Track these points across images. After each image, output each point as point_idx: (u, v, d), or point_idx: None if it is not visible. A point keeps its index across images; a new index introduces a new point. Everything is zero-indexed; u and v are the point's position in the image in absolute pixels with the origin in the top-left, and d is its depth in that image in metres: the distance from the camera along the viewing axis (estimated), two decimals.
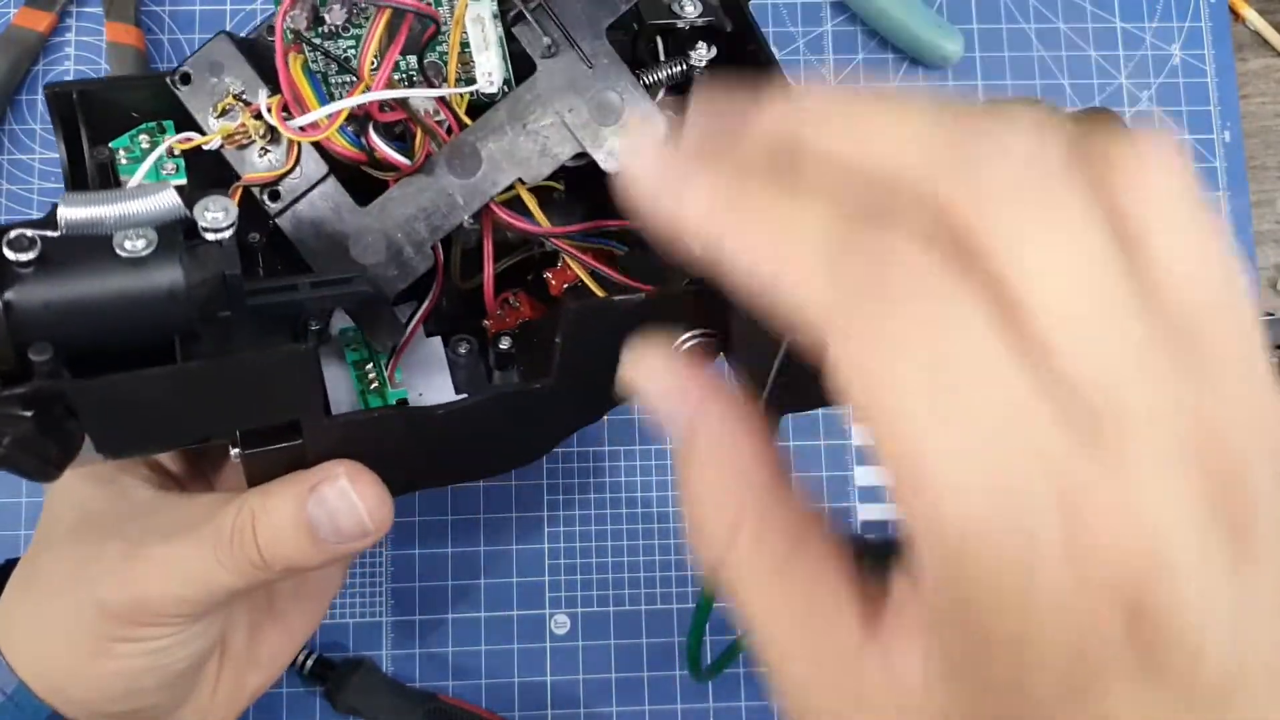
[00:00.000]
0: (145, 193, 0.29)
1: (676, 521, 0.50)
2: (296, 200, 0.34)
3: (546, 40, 0.34)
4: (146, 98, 0.35)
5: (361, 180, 0.34)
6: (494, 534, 0.49)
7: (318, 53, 0.35)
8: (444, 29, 0.35)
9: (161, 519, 0.34)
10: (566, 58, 0.34)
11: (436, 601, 0.48)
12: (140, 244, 0.28)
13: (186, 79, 0.34)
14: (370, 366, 0.35)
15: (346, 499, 0.33)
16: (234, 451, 0.32)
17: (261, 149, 0.34)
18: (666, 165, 0.21)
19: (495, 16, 0.35)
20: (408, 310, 0.35)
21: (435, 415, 0.33)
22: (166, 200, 0.29)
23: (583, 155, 0.34)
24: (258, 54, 0.34)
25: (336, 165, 0.34)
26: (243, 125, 0.33)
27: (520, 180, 0.34)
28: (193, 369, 0.29)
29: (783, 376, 0.28)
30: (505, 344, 0.36)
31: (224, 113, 0.34)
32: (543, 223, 0.35)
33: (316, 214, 0.34)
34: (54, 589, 0.35)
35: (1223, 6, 0.55)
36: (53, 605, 0.35)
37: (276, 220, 0.34)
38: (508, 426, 0.35)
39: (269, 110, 0.33)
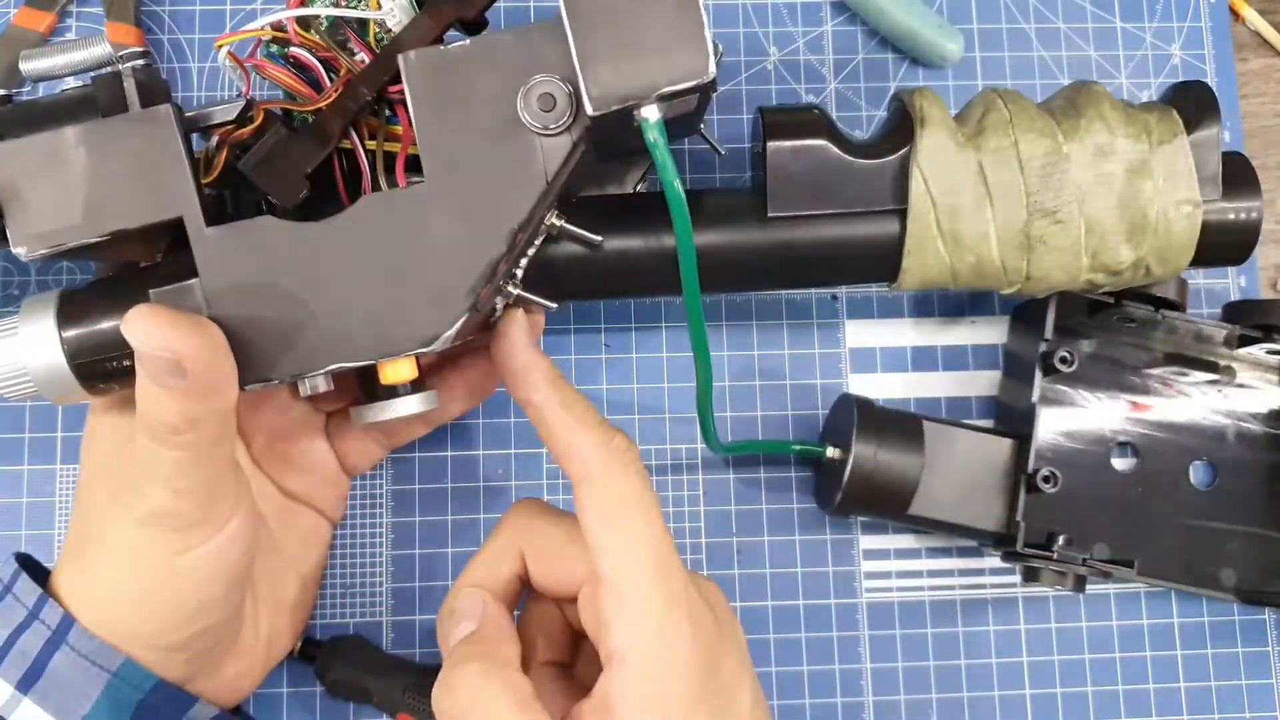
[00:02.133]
0: (86, 44, 0.37)
1: (674, 522, 0.50)
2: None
3: None
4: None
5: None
6: None
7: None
8: None
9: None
10: None
11: (437, 601, 0.48)
12: (74, 84, 0.37)
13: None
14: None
15: (140, 338, 0.33)
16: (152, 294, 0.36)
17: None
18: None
19: None
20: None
21: (320, 225, 0.35)
22: (101, 49, 0.37)
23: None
24: None
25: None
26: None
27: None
28: (71, 130, 0.35)
29: None
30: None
31: None
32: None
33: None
34: (105, 536, 0.37)
35: (1223, 6, 0.55)
36: (110, 550, 0.37)
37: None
38: (396, 253, 0.35)
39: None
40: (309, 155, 0.36)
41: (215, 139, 0.38)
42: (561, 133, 0.35)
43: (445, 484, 0.49)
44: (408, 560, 0.49)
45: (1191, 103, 0.43)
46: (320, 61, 0.39)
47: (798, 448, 0.49)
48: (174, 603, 0.37)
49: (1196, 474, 0.50)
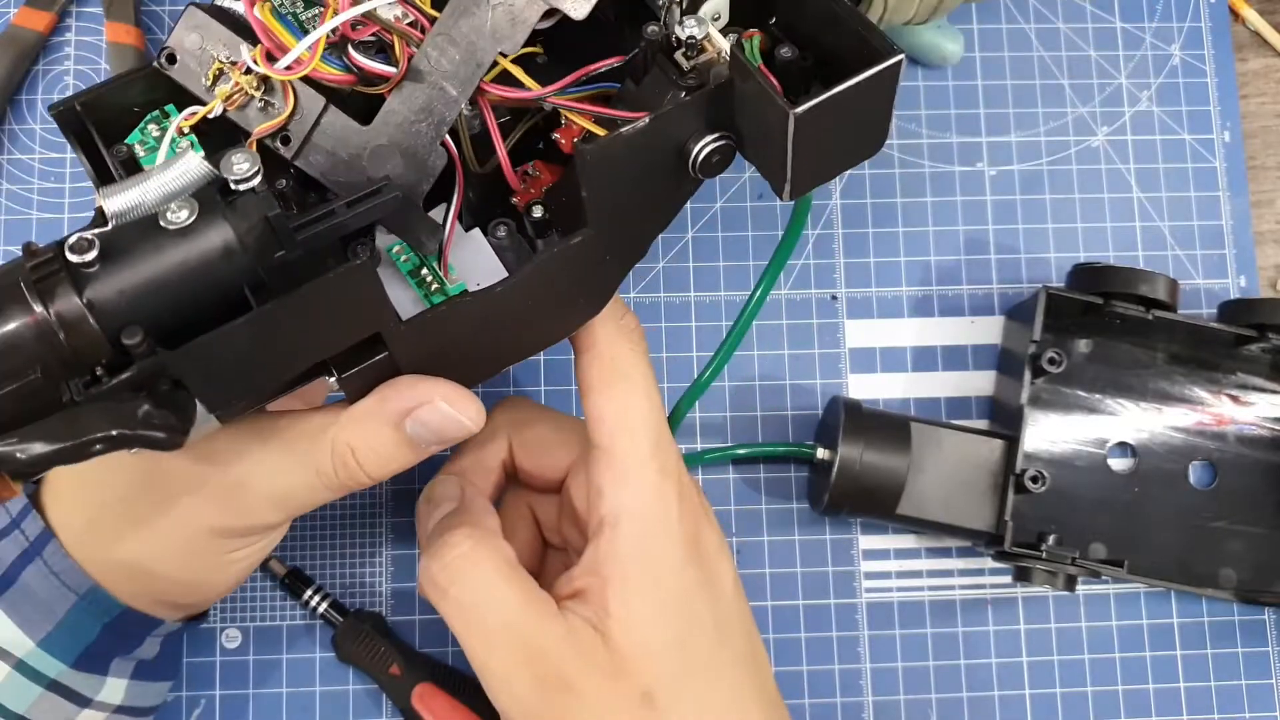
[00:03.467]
0: (171, 164, 0.31)
1: None
2: (306, 139, 0.35)
3: None
4: (143, 89, 0.36)
5: (362, 104, 0.36)
6: None
7: None
8: None
9: (252, 442, 0.36)
10: None
11: None
12: (184, 214, 0.30)
13: (173, 58, 0.35)
14: (425, 271, 0.37)
15: (444, 415, 0.35)
16: (331, 380, 0.35)
17: (261, 102, 0.35)
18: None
19: None
20: (442, 213, 0.37)
21: (497, 292, 0.35)
22: (193, 164, 0.32)
23: (551, 12, 0.35)
24: (230, 16, 0.36)
25: (332, 95, 0.35)
26: (236, 84, 0.35)
27: (501, 54, 0.35)
28: (267, 311, 0.31)
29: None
30: (538, 212, 0.37)
31: (216, 79, 0.35)
32: (533, 87, 0.36)
33: (329, 145, 0.35)
34: (157, 528, 0.37)
35: (1223, 6, 0.55)
36: (161, 542, 0.37)
37: (295, 162, 0.35)
38: (564, 285, 0.36)
39: (254, 61, 0.34)
40: (416, 190, 0.36)
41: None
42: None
43: None
44: (408, 560, 0.49)
45: None
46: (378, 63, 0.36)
47: (771, 450, 0.49)
48: (212, 588, 0.39)
49: (1195, 474, 0.50)
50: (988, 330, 0.52)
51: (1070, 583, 0.47)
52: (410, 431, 0.35)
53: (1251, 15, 0.56)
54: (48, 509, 0.38)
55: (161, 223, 0.30)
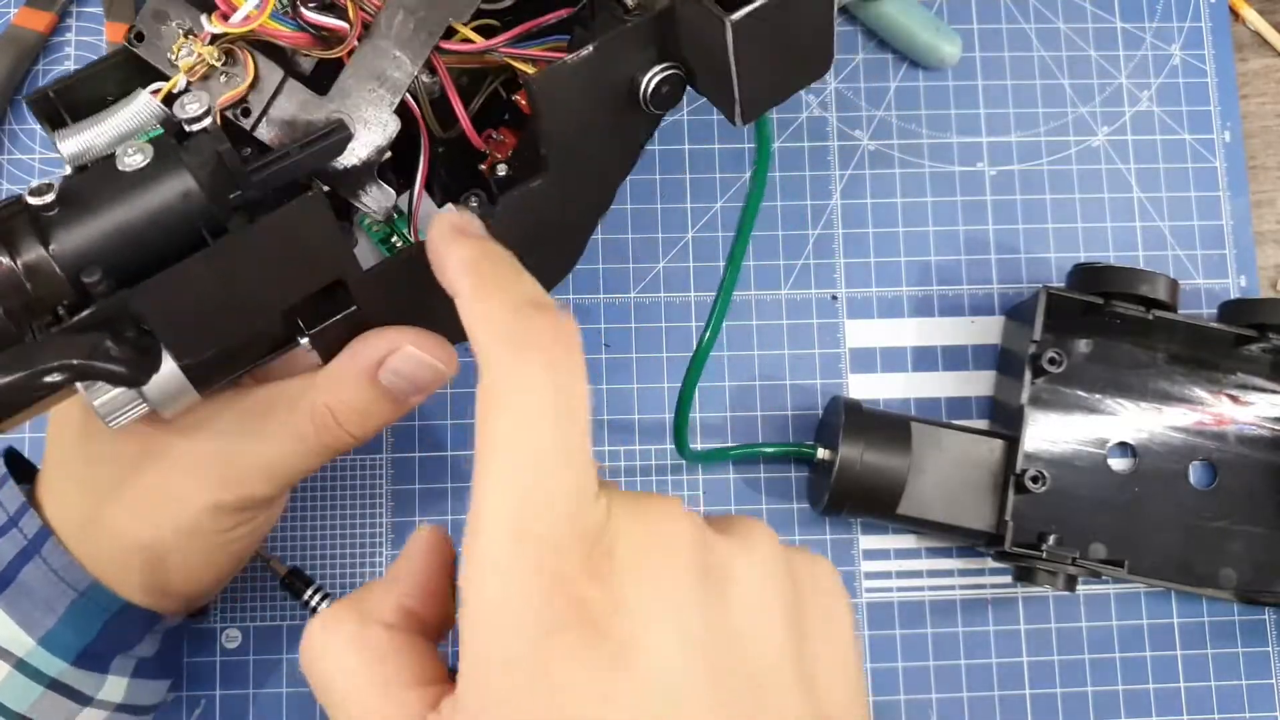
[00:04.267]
0: (124, 106, 0.33)
1: None
2: (265, 110, 0.36)
3: None
4: (118, 75, 0.36)
5: (320, 76, 0.36)
6: None
7: None
8: None
9: (235, 414, 0.36)
10: None
11: None
12: (139, 157, 0.31)
13: (141, 36, 0.36)
14: (395, 239, 0.38)
15: (416, 360, 0.35)
16: (304, 341, 0.35)
17: (223, 74, 0.36)
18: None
19: None
20: (408, 191, 0.38)
21: None
22: (145, 103, 0.33)
23: None
24: None
25: (291, 68, 0.36)
26: (199, 55, 0.35)
27: (451, 21, 0.36)
28: (222, 245, 0.31)
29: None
30: (503, 170, 0.37)
31: (179, 52, 0.36)
32: (479, 40, 0.36)
33: (287, 115, 0.36)
34: (154, 510, 0.37)
35: (1223, 6, 0.55)
36: (160, 524, 0.37)
37: (254, 133, 0.36)
38: (533, 233, 0.36)
39: (209, 21, 0.35)
40: (375, 150, 0.36)
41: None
42: (666, 112, 0.36)
43: (445, 484, 0.49)
44: None
45: None
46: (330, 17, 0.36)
47: (771, 450, 0.49)
48: (213, 569, 0.39)
49: (1195, 474, 0.50)
50: (988, 330, 0.52)
51: (1070, 583, 0.47)
52: (385, 382, 0.35)
53: (1251, 15, 0.56)
54: (45, 507, 0.38)
55: (119, 166, 0.31)
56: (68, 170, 0.33)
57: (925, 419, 0.48)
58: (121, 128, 0.33)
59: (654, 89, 0.35)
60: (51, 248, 0.30)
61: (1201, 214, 0.54)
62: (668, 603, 0.24)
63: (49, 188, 0.31)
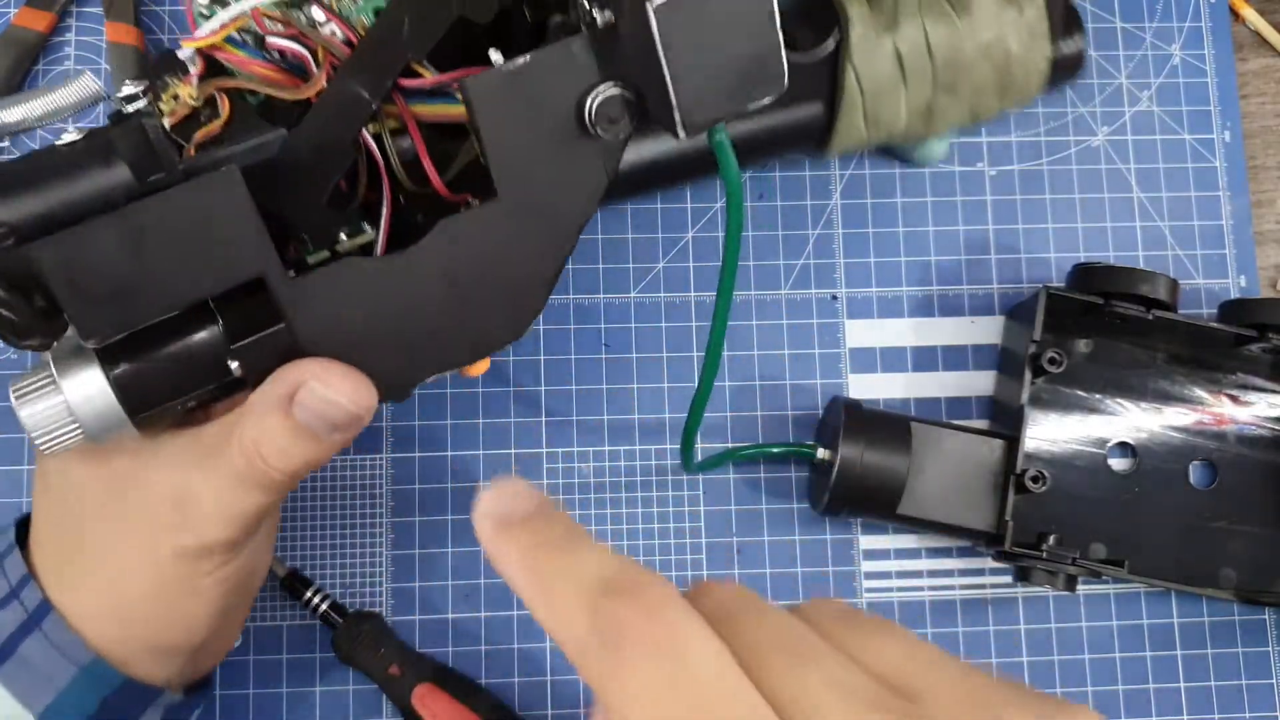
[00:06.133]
0: (65, 84, 0.35)
1: (675, 522, 0.50)
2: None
3: None
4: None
5: (290, 118, 0.36)
6: None
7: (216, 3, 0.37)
8: None
9: (183, 455, 0.35)
10: None
11: (438, 601, 0.48)
12: (73, 135, 0.32)
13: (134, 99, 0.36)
14: None
15: (322, 397, 0.33)
16: (233, 364, 0.34)
17: (202, 117, 0.36)
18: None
19: None
20: (356, 222, 0.37)
21: (398, 258, 0.34)
22: (84, 82, 0.35)
23: (461, 19, 0.36)
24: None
25: (265, 111, 0.36)
26: (182, 98, 0.35)
27: (410, 59, 0.36)
28: (129, 210, 0.31)
29: None
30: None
31: (170, 101, 0.36)
32: (432, 74, 0.36)
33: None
34: (120, 558, 0.36)
35: (1223, 6, 0.55)
36: (127, 571, 0.36)
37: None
38: (485, 266, 0.36)
39: (181, 45, 0.35)
40: (324, 176, 0.35)
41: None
42: (624, 136, 0.35)
43: (445, 484, 0.49)
44: (408, 560, 0.49)
45: None
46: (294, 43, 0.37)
47: (778, 450, 0.49)
48: (187, 619, 0.37)
49: (1195, 474, 0.50)
50: (988, 330, 0.52)
51: (1070, 583, 0.47)
52: (300, 419, 0.33)
53: (1251, 15, 0.56)
54: (39, 572, 0.37)
55: (56, 143, 0.32)
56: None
57: (925, 419, 0.48)
58: (58, 102, 0.35)
59: (598, 109, 0.34)
60: None
61: (1201, 214, 0.54)
62: None
63: None
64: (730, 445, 0.50)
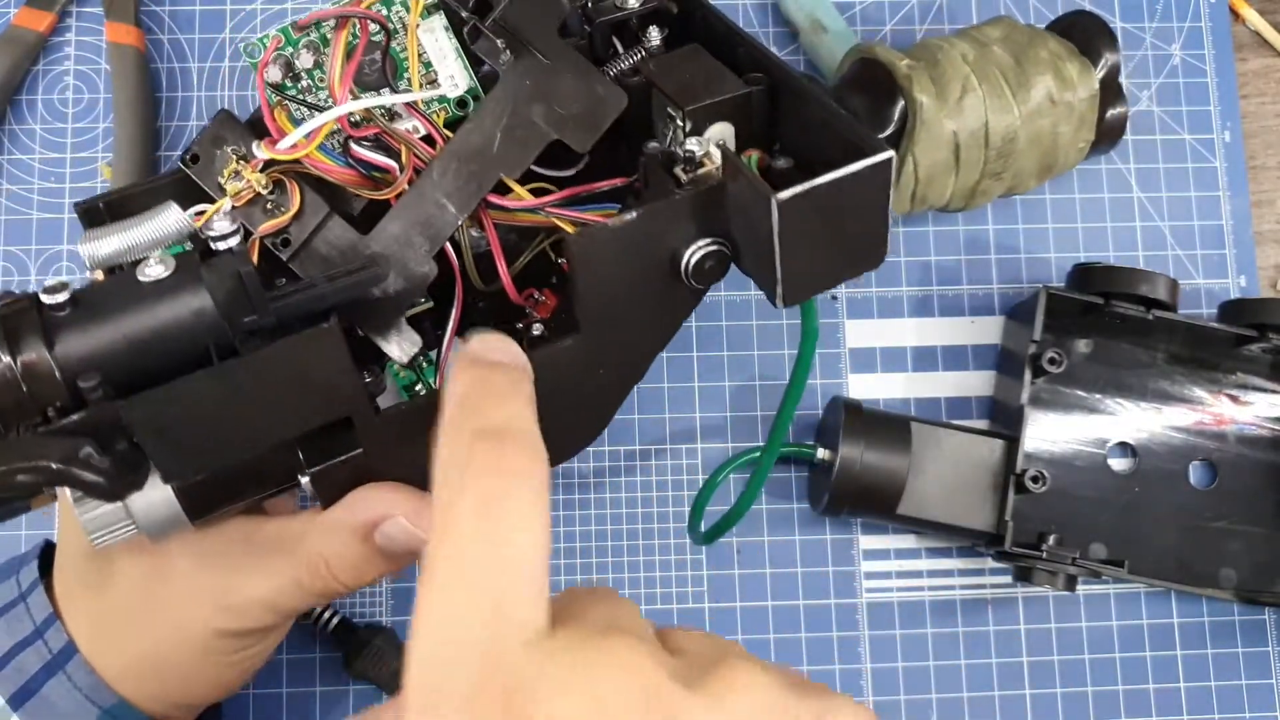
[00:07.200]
0: (153, 215, 0.32)
1: (674, 522, 0.50)
2: (305, 243, 0.36)
3: (504, 47, 0.35)
4: (169, 192, 0.36)
5: (365, 216, 0.36)
6: None
7: (297, 103, 0.37)
8: (395, 37, 0.37)
9: (239, 548, 0.36)
10: (526, 61, 0.36)
11: None
12: (160, 269, 0.31)
13: (195, 158, 0.36)
14: (419, 385, 0.37)
15: (408, 532, 0.34)
16: (304, 480, 0.34)
17: (269, 203, 0.36)
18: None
19: (447, 29, 0.37)
20: (435, 337, 0.37)
21: None
22: (174, 217, 0.32)
23: (557, 142, 0.36)
24: (257, 126, 0.36)
25: (337, 205, 0.36)
26: (247, 181, 0.35)
27: (503, 176, 0.36)
28: (228, 366, 0.30)
29: None
30: (537, 330, 0.37)
31: (230, 176, 0.36)
32: (528, 198, 0.36)
33: (325, 251, 0.36)
34: (158, 629, 0.36)
35: (1223, 6, 0.55)
36: (163, 642, 0.36)
37: (290, 264, 0.35)
38: (555, 396, 0.35)
39: (259, 147, 0.35)
40: (406, 293, 0.35)
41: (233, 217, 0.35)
42: (708, 288, 0.35)
43: None
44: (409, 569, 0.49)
45: (1093, 36, 0.48)
46: (378, 143, 0.36)
47: (782, 449, 0.49)
48: (222, 683, 0.38)
49: (1195, 474, 0.50)
50: (988, 330, 0.52)
51: (1070, 583, 0.47)
52: (380, 543, 0.34)
53: (1251, 15, 0.56)
54: (65, 616, 0.37)
55: (140, 277, 0.31)
56: (91, 275, 0.33)
57: (925, 419, 0.48)
58: (146, 236, 0.32)
59: (696, 263, 0.34)
60: (56, 349, 0.29)
61: (1201, 214, 0.54)
62: None
63: (63, 286, 0.30)
64: (731, 451, 0.50)
